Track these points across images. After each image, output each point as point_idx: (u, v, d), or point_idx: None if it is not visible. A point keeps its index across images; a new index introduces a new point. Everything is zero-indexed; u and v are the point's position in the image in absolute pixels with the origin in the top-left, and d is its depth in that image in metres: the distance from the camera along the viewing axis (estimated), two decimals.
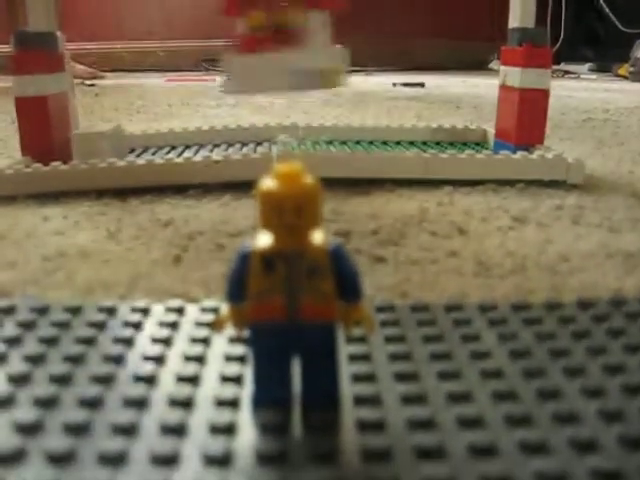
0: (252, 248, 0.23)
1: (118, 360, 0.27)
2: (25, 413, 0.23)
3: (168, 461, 0.21)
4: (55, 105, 0.64)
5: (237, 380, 0.25)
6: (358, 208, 0.54)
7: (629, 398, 0.24)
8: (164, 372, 0.26)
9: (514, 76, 0.66)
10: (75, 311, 0.32)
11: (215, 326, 0.24)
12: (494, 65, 2.51)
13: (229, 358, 0.27)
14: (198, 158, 0.60)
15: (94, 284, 0.38)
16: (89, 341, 0.29)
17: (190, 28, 2.68)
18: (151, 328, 0.30)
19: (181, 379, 0.26)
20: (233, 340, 0.28)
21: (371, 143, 0.79)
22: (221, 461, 0.21)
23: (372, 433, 0.22)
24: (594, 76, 2.41)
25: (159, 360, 0.27)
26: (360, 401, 0.24)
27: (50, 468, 0.21)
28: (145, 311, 0.32)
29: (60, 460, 0.21)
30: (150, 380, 0.26)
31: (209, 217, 0.52)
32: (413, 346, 0.28)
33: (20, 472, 0.20)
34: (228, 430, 0.22)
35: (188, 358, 0.27)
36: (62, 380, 0.25)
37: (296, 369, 0.24)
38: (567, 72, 2.46)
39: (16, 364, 0.27)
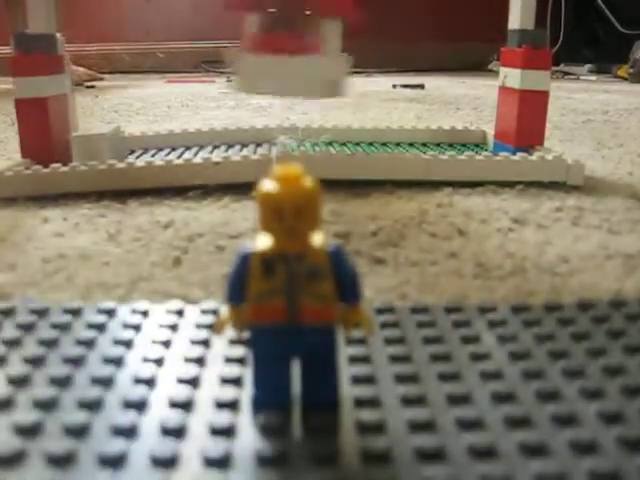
0: (252, 250, 0.23)
1: (118, 362, 0.27)
2: (25, 415, 0.23)
3: (168, 463, 0.21)
4: (55, 107, 0.64)
5: (237, 382, 0.25)
6: (358, 210, 0.54)
7: (629, 399, 0.24)
8: (164, 374, 0.26)
9: (514, 77, 0.66)
10: (75, 313, 0.32)
11: (215, 328, 0.24)
12: (494, 66, 2.51)
13: (229, 360, 0.27)
14: (198, 160, 0.60)
15: (94, 286, 0.38)
16: (89, 343, 0.29)
17: (190, 30, 2.68)
18: (151, 330, 0.30)
19: (181, 381, 0.26)
20: (233, 342, 0.28)
21: (371, 144, 0.79)
22: (221, 463, 0.21)
23: (372, 435, 0.22)
24: (593, 77, 2.41)
25: (159, 362, 0.27)
26: (360, 403, 0.24)
27: (50, 470, 0.21)
28: (145, 313, 0.32)
29: (60, 462, 0.21)
30: (150, 382, 0.26)
31: (209, 219, 0.52)
32: (413, 348, 0.28)
33: (20, 474, 0.20)
34: (228, 432, 0.22)
35: (188, 360, 0.27)
36: (62, 382, 0.25)
37: (296, 371, 0.24)
38: (567, 73, 2.46)
39: (16, 366, 0.27)
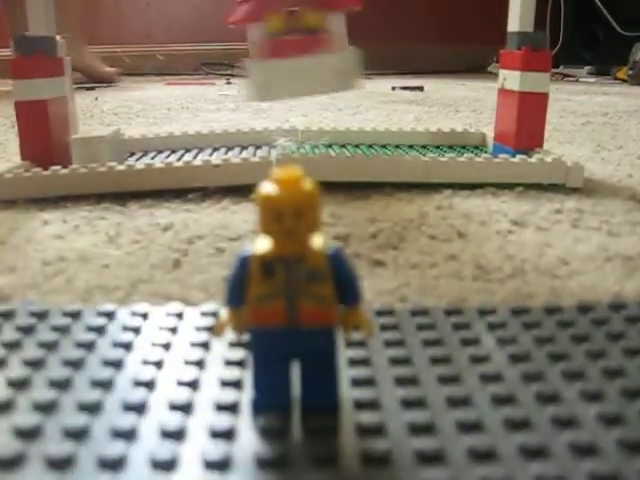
0: (252, 252, 0.23)
1: (117, 364, 0.27)
2: (25, 418, 0.23)
3: (168, 466, 0.21)
4: (55, 109, 0.64)
5: (237, 384, 0.25)
6: (357, 212, 0.54)
7: (628, 402, 0.24)
8: (164, 376, 0.26)
9: (513, 80, 0.66)
10: (75, 315, 0.32)
11: (215, 330, 0.24)
12: (493, 69, 2.51)
13: (229, 362, 0.27)
14: (197, 162, 0.60)
15: (94, 288, 0.38)
16: (89, 345, 0.29)
17: (190, 32, 2.69)
18: (151, 332, 0.30)
19: (181, 383, 0.26)
20: (233, 344, 0.28)
21: (370, 147, 0.79)
22: (221, 465, 0.21)
23: (372, 437, 0.22)
24: (593, 79, 2.41)
25: (159, 364, 0.27)
26: (360, 405, 0.24)
27: (50, 473, 0.21)
28: (145, 315, 0.32)
29: (60, 465, 0.21)
30: (150, 384, 0.26)
31: (209, 221, 0.52)
32: (412, 350, 0.28)
33: (20, 477, 0.20)
34: (228, 434, 0.22)
35: (188, 362, 0.27)
36: (62, 385, 0.25)
37: (296, 373, 0.24)
38: (566, 75, 2.46)
39: (16, 369, 0.27)
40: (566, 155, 0.65)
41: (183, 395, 0.25)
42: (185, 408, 0.24)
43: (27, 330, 0.30)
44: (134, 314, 0.32)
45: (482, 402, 0.24)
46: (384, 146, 0.80)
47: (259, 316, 0.23)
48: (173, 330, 0.30)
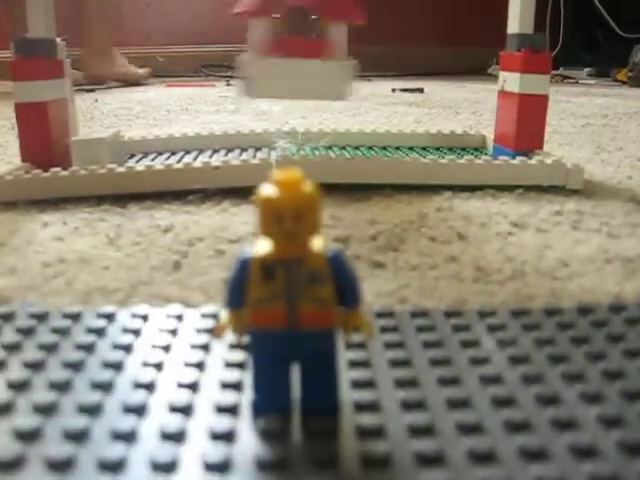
0: (252, 254, 0.23)
1: (117, 366, 0.27)
2: (25, 420, 0.23)
3: (167, 468, 0.21)
4: (55, 111, 0.64)
5: (237, 386, 0.25)
6: (357, 214, 0.54)
7: (628, 404, 0.24)
8: (164, 378, 0.26)
9: (513, 81, 0.66)
10: (75, 317, 0.32)
11: (215, 332, 0.24)
12: (493, 71, 2.51)
13: (229, 364, 0.27)
14: (197, 164, 0.60)
15: (94, 290, 0.38)
16: (89, 347, 0.29)
17: (190, 34, 2.69)
18: (151, 334, 0.30)
19: (181, 385, 0.26)
20: (233, 346, 0.28)
21: (370, 149, 0.79)
22: (221, 468, 0.21)
23: (372, 439, 0.22)
24: (593, 81, 2.41)
25: (159, 366, 0.27)
26: (360, 407, 0.24)
27: (50, 475, 0.21)
28: (145, 317, 0.32)
29: (60, 467, 0.21)
30: (150, 386, 0.26)
31: (208, 223, 0.52)
32: (412, 352, 0.28)
33: (20, 479, 0.20)
34: (228, 436, 0.22)
35: (188, 364, 0.27)
36: (62, 386, 0.25)
37: (296, 375, 0.24)
38: (566, 77, 2.46)
39: (16, 370, 0.27)
40: (566, 157, 0.65)
41: (183, 397, 0.25)
42: (185, 410, 0.24)
43: (27, 332, 0.30)
44: (134, 316, 0.32)
45: (482, 404, 0.24)
46: (384, 148, 0.80)
47: (259, 318, 0.23)
48: (173, 332, 0.30)
